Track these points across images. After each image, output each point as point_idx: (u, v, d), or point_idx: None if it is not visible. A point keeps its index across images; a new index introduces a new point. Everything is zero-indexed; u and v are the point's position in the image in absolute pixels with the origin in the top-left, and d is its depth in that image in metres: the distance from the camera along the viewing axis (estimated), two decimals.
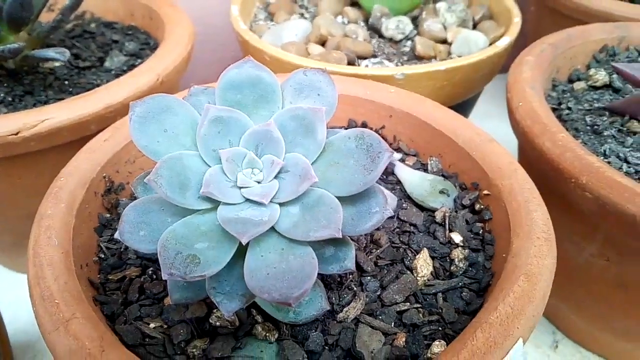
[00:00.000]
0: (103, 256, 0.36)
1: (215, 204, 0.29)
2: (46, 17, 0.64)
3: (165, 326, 0.31)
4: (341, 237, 0.27)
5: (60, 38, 0.59)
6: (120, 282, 0.34)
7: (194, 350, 0.30)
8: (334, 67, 0.51)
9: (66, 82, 0.52)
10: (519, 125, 0.43)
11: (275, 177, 0.30)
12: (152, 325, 0.31)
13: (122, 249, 0.37)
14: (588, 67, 0.54)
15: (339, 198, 0.29)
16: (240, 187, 0.29)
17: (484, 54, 0.53)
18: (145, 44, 0.59)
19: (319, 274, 0.33)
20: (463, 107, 0.61)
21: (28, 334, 0.54)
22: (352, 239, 0.37)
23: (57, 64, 0.54)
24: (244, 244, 0.27)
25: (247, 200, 0.29)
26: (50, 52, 0.46)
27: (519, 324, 0.28)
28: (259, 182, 0.30)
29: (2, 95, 0.50)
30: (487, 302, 0.30)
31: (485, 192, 0.39)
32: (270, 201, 0.29)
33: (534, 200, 0.35)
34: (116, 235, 0.28)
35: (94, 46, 0.58)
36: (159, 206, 0.30)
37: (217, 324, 0.31)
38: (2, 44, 0.49)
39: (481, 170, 0.39)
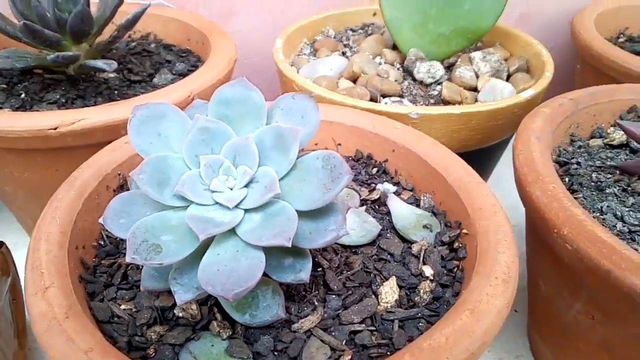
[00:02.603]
0: (102, 243, 0.40)
1: (189, 203, 0.32)
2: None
3: (134, 309, 0.35)
4: (290, 246, 0.29)
5: (122, 53, 0.66)
6: (110, 267, 0.38)
7: (152, 334, 0.33)
8: (352, 101, 0.53)
9: (115, 92, 0.58)
10: (517, 172, 0.44)
11: (246, 185, 0.33)
12: (122, 307, 0.34)
13: (119, 240, 0.40)
14: (613, 126, 0.53)
15: (302, 212, 0.32)
16: (213, 191, 0.32)
17: (503, 102, 0.54)
18: (193, 66, 0.65)
19: (284, 284, 0.36)
20: (488, 152, 0.62)
21: None
22: (325, 259, 0.39)
23: (111, 74, 0.61)
24: (200, 240, 0.30)
25: (217, 203, 0.32)
26: (99, 63, 0.52)
27: (449, 355, 0.28)
28: (231, 189, 0.33)
29: (58, 96, 0.56)
30: (428, 330, 0.31)
31: (465, 231, 0.39)
32: (236, 206, 0.32)
33: (504, 242, 0.36)
34: (100, 220, 0.32)
35: (148, 63, 0.64)
36: (142, 199, 0.33)
37: (180, 314, 0.34)
38: (65, 52, 0.56)
39: (465, 210, 0.40)
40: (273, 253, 0.33)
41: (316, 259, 0.38)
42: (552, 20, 0.85)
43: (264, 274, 0.33)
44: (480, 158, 0.61)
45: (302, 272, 0.32)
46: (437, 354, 0.28)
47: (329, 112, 0.50)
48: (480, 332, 0.30)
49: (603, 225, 0.41)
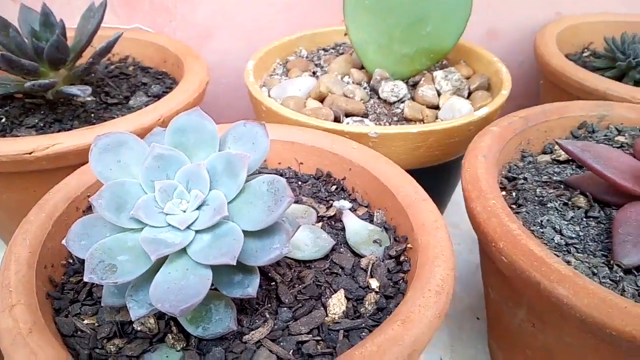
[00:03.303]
0: (71, 261, 0.43)
1: (144, 225, 0.35)
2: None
3: (97, 324, 0.37)
4: (234, 264, 0.32)
5: (101, 77, 0.69)
6: (77, 284, 0.41)
7: (112, 347, 0.35)
8: (316, 122, 0.56)
9: (92, 115, 0.61)
10: (463, 190, 0.47)
11: (198, 208, 0.35)
12: (85, 321, 0.37)
13: None
14: None
15: (249, 232, 0.34)
16: (167, 214, 0.35)
17: (457, 121, 0.57)
18: (169, 88, 0.68)
19: (236, 299, 0.38)
20: (449, 168, 0.64)
21: None
22: (277, 273, 0.42)
23: (88, 98, 0.64)
24: (152, 260, 0.32)
25: (169, 225, 0.35)
26: (74, 90, 0.55)
27: None
28: (184, 211, 0.35)
29: (37, 121, 0.59)
30: (363, 340, 0.33)
31: (409, 245, 0.42)
32: (188, 228, 0.35)
33: (442, 257, 0.38)
34: (63, 242, 0.35)
35: (125, 86, 0.67)
36: (102, 222, 0.36)
37: (139, 328, 0.37)
38: (43, 78, 0.59)
39: (410, 225, 0.42)
40: (224, 270, 0.36)
41: (269, 274, 0.41)
42: (519, 36, 0.88)
43: (217, 290, 0.36)
44: (442, 173, 0.64)
45: (250, 288, 0.35)
46: None
47: (292, 133, 0.53)
48: (409, 341, 0.32)
49: (541, 238, 0.43)
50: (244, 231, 0.34)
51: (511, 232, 0.40)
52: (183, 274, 0.33)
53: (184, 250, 0.34)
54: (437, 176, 0.62)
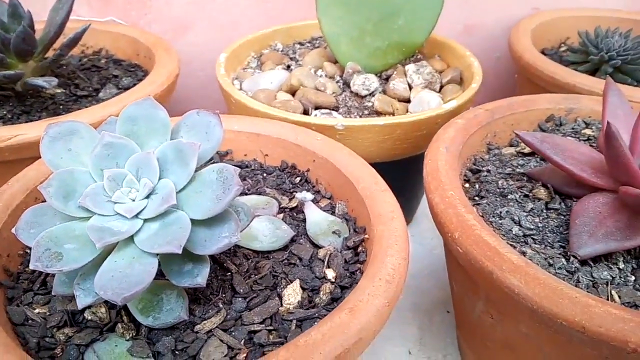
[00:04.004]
0: (28, 251, 0.43)
1: (93, 214, 0.35)
2: (72, 51, 0.74)
3: (48, 313, 0.37)
4: (180, 253, 0.32)
5: (72, 69, 0.69)
6: (32, 274, 0.41)
7: (61, 335, 0.35)
8: (284, 114, 0.56)
9: (61, 107, 0.61)
10: (424, 182, 0.47)
11: (147, 197, 0.35)
12: (37, 310, 0.37)
13: None
14: None
15: (198, 221, 0.34)
16: (115, 202, 0.35)
17: (425, 113, 0.57)
18: (140, 80, 0.67)
19: (189, 289, 0.38)
20: (419, 160, 0.64)
21: None
22: (234, 263, 0.41)
23: (58, 90, 0.63)
24: (97, 248, 0.32)
25: (117, 213, 0.35)
26: (39, 81, 0.54)
27: (322, 350, 0.31)
28: (133, 200, 0.35)
29: (5, 112, 0.59)
30: (310, 328, 0.33)
31: (366, 236, 0.42)
32: (136, 216, 0.34)
33: (395, 246, 0.38)
34: (12, 230, 0.35)
35: (96, 78, 0.67)
36: (53, 211, 0.36)
37: (89, 317, 0.36)
38: (11, 70, 0.58)
39: (368, 216, 0.42)
40: (175, 260, 0.36)
41: (225, 265, 0.41)
42: (497, 31, 0.89)
43: (167, 279, 0.36)
44: (412, 166, 0.64)
45: (199, 277, 0.35)
46: (312, 350, 0.31)
47: (258, 124, 0.53)
48: (355, 330, 0.32)
49: (499, 229, 0.43)
50: (193, 220, 0.34)
51: (466, 222, 0.41)
52: (129, 262, 0.33)
53: (131, 239, 0.34)
54: (407, 169, 0.62)
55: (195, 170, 0.36)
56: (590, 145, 0.54)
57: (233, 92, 0.61)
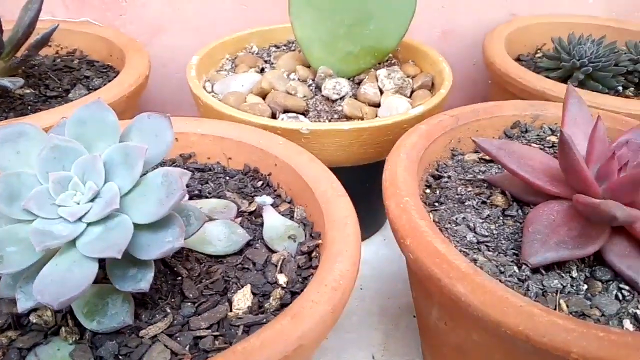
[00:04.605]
0: None
1: (36, 217, 0.35)
2: (46, 51, 0.74)
3: None
4: (119, 257, 0.32)
5: (44, 70, 0.69)
6: None
7: (4, 338, 0.35)
8: (250, 117, 0.56)
9: (29, 107, 0.61)
10: (382, 188, 0.47)
11: (92, 200, 0.35)
12: None
13: None
14: None
15: (142, 225, 0.34)
16: (59, 206, 0.35)
17: (392, 118, 0.57)
18: (111, 81, 0.67)
19: (136, 293, 0.38)
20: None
21: None
22: (185, 268, 0.41)
23: (27, 90, 0.63)
24: (37, 251, 0.32)
25: (61, 217, 0.35)
26: (4, 81, 0.54)
27: (260, 357, 0.31)
28: (78, 203, 0.35)
29: None
30: (250, 335, 0.33)
31: (319, 241, 0.42)
32: (80, 220, 0.34)
33: (345, 253, 0.38)
34: None
35: (66, 79, 0.67)
36: None
37: (34, 321, 0.36)
38: None
39: (323, 221, 0.42)
40: (119, 264, 0.35)
41: (175, 269, 0.41)
42: (474, 37, 0.89)
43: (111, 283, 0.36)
44: (380, 171, 0.64)
45: (142, 282, 0.35)
46: (249, 356, 0.31)
47: (221, 128, 0.53)
48: (296, 336, 0.32)
49: (454, 236, 0.43)
50: (138, 224, 0.34)
51: (419, 228, 0.40)
52: (68, 266, 0.33)
53: (73, 243, 0.34)
54: (375, 173, 0.62)
55: (143, 174, 0.36)
56: (554, 152, 0.54)
57: (201, 95, 0.60)
